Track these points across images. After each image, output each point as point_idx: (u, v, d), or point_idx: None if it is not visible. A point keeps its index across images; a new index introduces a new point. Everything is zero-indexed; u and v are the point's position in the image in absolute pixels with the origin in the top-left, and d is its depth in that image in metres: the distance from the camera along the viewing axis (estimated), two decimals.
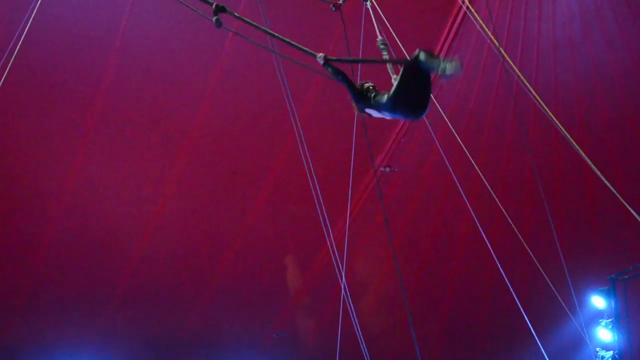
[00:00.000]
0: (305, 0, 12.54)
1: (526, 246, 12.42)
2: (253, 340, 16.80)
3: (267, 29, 7.12)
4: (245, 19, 6.92)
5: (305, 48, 6.70)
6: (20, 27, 8.92)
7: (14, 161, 13.05)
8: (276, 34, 6.87)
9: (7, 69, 8.73)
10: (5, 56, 8.99)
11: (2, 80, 8.61)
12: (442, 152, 11.12)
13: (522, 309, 9.72)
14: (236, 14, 6.85)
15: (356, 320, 10.40)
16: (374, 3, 8.62)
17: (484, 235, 10.03)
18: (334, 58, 6.58)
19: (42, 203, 13.60)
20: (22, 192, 13.33)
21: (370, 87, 6.62)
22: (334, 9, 9.16)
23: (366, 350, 10.47)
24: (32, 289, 14.12)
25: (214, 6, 6.50)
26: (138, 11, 12.45)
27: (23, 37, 8.76)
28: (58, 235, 13.87)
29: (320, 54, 6.50)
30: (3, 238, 13.51)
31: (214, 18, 6.44)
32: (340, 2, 9.11)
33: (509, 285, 9.76)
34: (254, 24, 6.97)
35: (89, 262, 14.43)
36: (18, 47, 8.76)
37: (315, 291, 16.86)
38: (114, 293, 14.98)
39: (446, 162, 10.95)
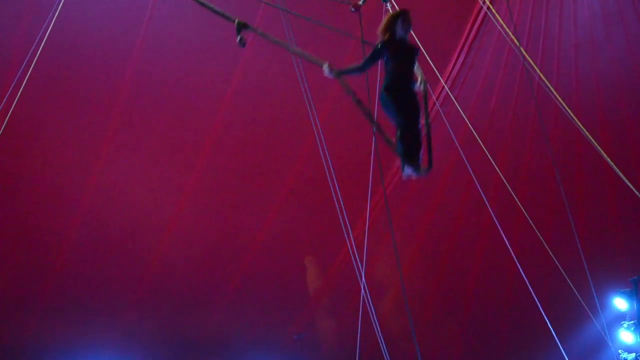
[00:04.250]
0: (324, 2, 12.53)
1: (547, 247, 12.33)
2: (272, 341, 16.80)
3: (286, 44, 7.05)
4: (265, 34, 6.81)
5: (314, 58, 6.60)
6: (42, 30, 8.99)
7: (36, 164, 13.15)
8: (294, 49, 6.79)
9: (29, 71, 8.82)
10: (27, 59, 9.07)
11: (23, 84, 8.71)
12: (461, 153, 11.05)
13: (542, 311, 9.64)
14: (259, 30, 6.73)
15: (376, 321, 10.36)
16: (394, 4, 8.59)
17: (504, 236, 9.96)
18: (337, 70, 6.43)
19: (63, 204, 13.70)
20: (44, 193, 13.43)
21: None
22: (353, 9, 9.09)
23: (386, 352, 10.43)
24: (53, 289, 14.20)
25: (236, 23, 6.26)
26: (158, 16, 12.54)
27: (44, 40, 8.83)
28: (80, 235, 13.96)
29: (325, 65, 6.30)
30: (25, 238, 13.62)
31: (238, 37, 6.23)
32: (360, 2, 9.05)
33: (530, 287, 9.70)
34: (273, 37, 6.91)
35: (110, 263, 14.53)
36: (40, 49, 8.83)
37: (335, 292, 16.84)
38: (135, 294, 15.05)
39: (465, 161, 10.89)
